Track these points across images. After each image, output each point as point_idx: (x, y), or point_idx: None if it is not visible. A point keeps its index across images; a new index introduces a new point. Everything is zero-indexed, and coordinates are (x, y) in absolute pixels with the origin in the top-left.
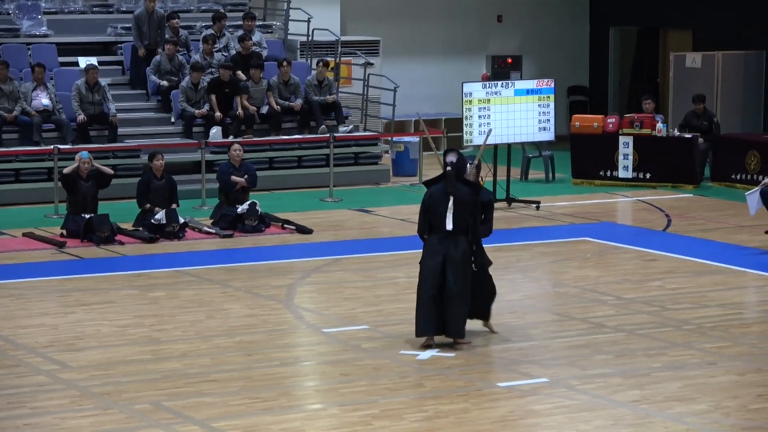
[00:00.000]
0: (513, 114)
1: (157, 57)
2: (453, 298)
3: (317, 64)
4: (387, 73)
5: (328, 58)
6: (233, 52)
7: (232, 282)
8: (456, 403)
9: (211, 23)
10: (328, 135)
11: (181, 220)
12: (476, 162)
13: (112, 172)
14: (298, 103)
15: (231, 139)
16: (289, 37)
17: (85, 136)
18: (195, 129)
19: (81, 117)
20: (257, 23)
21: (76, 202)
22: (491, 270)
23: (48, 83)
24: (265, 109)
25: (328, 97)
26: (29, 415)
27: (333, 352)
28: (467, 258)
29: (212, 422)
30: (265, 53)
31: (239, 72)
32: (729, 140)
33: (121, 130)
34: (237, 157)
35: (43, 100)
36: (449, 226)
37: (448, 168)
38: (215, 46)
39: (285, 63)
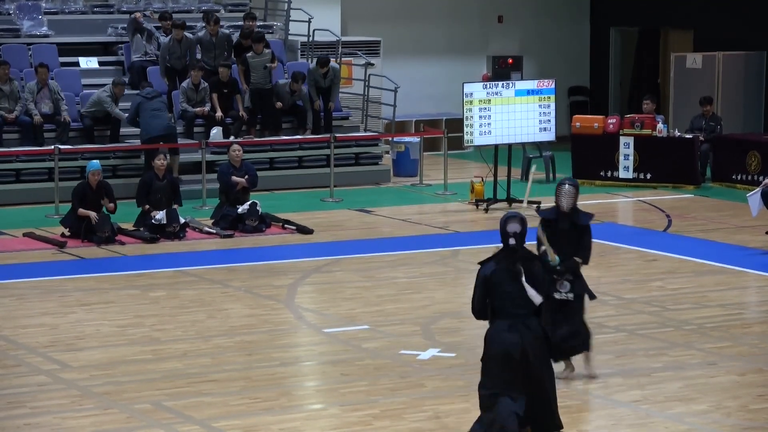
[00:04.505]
0: (514, 114)
1: (183, 84)
2: (542, 392)
3: (316, 62)
4: (388, 74)
5: (328, 56)
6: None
7: (232, 282)
8: (457, 403)
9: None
10: (328, 136)
11: (182, 221)
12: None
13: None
14: (279, 104)
15: (231, 139)
16: (290, 37)
17: (89, 136)
18: (195, 129)
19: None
20: (258, 23)
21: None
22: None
23: (50, 82)
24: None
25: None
26: (30, 415)
27: (333, 352)
28: (545, 343)
29: (212, 422)
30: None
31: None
32: (730, 141)
33: (122, 131)
34: (237, 157)
35: (43, 107)
36: (537, 301)
37: (512, 240)
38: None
39: (299, 81)
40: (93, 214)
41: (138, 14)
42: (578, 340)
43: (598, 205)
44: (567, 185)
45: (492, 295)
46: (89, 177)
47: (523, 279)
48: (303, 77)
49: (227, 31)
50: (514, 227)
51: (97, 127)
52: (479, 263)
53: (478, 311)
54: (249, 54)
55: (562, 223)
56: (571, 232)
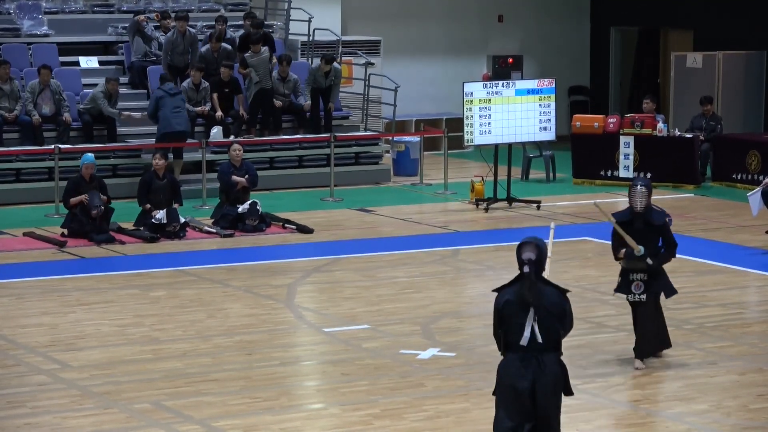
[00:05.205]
0: (514, 114)
1: (184, 84)
2: (548, 429)
3: (321, 58)
4: (388, 73)
5: (333, 54)
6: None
7: (232, 281)
8: (457, 403)
9: (214, 22)
10: (328, 135)
11: (182, 220)
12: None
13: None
14: (307, 103)
15: (232, 138)
16: (290, 37)
17: (88, 133)
18: (196, 129)
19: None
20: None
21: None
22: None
23: (52, 82)
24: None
25: (303, 103)
26: (29, 415)
27: (333, 352)
28: (559, 383)
29: (212, 422)
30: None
31: (238, 53)
32: (730, 140)
33: (121, 130)
34: (237, 157)
35: (44, 107)
36: (524, 340)
37: (526, 267)
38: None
39: (285, 62)
40: (83, 196)
41: (141, 17)
42: (642, 342)
43: (599, 205)
44: (639, 186)
45: (504, 326)
46: (83, 170)
47: (530, 315)
48: (289, 59)
49: (228, 47)
50: (528, 255)
51: (95, 126)
52: (494, 290)
53: (497, 342)
54: (247, 54)
55: (636, 223)
56: (645, 232)
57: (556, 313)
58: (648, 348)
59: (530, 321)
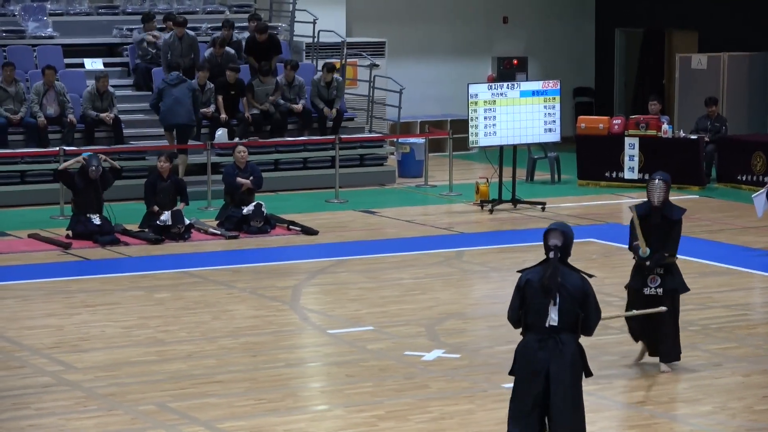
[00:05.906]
0: (519, 115)
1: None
2: (563, 409)
3: (322, 68)
4: (392, 75)
5: (334, 60)
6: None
7: (237, 283)
8: (461, 405)
9: (220, 26)
10: (333, 137)
11: (187, 222)
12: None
13: (119, 167)
14: (300, 105)
15: (236, 140)
16: (295, 38)
17: (93, 136)
18: (201, 130)
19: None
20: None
21: (81, 202)
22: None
23: (56, 84)
24: (271, 108)
25: (294, 106)
26: (34, 416)
27: (338, 353)
28: (577, 362)
29: (217, 423)
30: None
31: (251, 58)
32: (735, 141)
33: (126, 132)
34: (242, 158)
35: (49, 108)
36: (552, 321)
37: (551, 254)
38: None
39: (290, 67)
40: (80, 157)
41: (149, 36)
42: (665, 346)
43: (603, 206)
44: (657, 180)
45: (525, 307)
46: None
47: (553, 301)
48: (295, 64)
49: (232, 52)
50: (554, 241)
51: (101, 128)
52: (519, 271)
53: (512, 320)
54: (255, 81)
55: (654, 218)
56: (662, 227)
57: (578, 297)
58: (675, 350)
59: (554, 304)
